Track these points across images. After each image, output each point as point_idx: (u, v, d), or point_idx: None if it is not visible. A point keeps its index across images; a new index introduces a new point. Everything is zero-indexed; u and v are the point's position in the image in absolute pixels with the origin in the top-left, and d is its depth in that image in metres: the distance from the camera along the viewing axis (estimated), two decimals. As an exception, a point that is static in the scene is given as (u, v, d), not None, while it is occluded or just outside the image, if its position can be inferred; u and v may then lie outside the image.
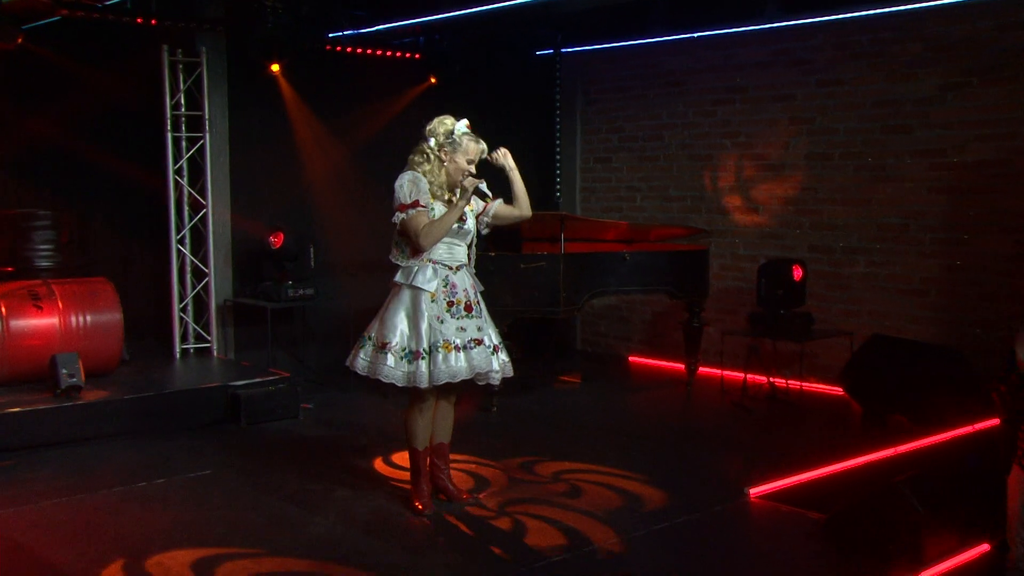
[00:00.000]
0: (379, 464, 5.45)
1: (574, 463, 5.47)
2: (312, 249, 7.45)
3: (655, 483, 5.13)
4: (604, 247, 7.48)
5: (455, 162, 4.42)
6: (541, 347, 8.97)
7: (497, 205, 4.64)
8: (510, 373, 4.60)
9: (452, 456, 4.92)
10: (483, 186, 4.45)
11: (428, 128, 4.47)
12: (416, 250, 4.38)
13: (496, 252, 6.42)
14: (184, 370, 7.04)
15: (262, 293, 7.41)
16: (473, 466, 5.39)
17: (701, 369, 7.67)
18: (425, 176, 4.39)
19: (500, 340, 4.58)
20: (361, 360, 4.46)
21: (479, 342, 4.42)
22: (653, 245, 7.67)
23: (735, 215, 8.19)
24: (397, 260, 4.46)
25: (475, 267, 4.65)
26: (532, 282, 6.45)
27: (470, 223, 4.54)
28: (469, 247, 4.59)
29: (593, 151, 9.27)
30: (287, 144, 7.79)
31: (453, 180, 4.44)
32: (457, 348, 4.36)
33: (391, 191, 4.44)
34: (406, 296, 4.42)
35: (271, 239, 7.40)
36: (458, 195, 4.42)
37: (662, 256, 7.17)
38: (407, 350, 4.36)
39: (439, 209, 4.41)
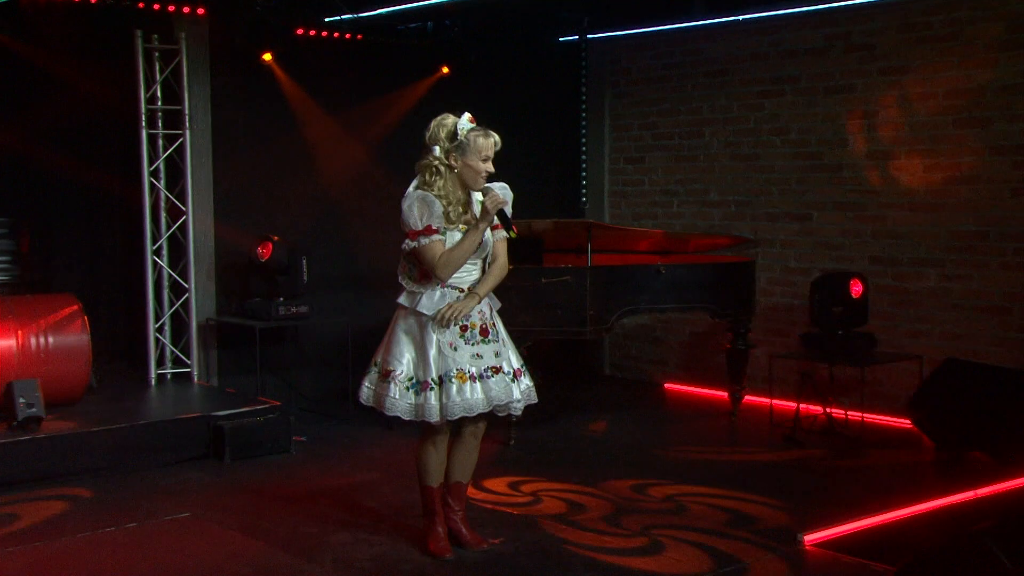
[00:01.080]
0: (382, 504, 5.43)
1: (600, 508, 5.44)
2: (305, 261, 7.46)
3: (694, 527, 5.10)
4: (636, 259, 7.48)
5: (468, 166, 4.41)
6: (565, 372, 8.95)
7: (499, 238, 4.58)
8: (534, 400, 4.60)
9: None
10: (508, 209, 4.43)
11: (428, 135, 4.46)
12: (425, 272, 4.40)
13: (513, 265, 6.36)
14: (160, 398, 7.04)
15: (249, 311, 7.42)
16: (489, 506, 5.38)
17: (747, 398, 7.65)
18: (439, 195, 4.39)
19: (522, 363, 4.58)
20: (366, 388, 4.51)
21: (497, 370, 4.43)
22: (692, 257, 7.66)
23: (785, 222, 8.17)
24: (404, 283, 4.49)
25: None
26: (555, 299, 6.46)
27: (488, 239, 4.53)
28: (483, 261, 4.59)
29: (623, 150, 9.27)
30: (278, 143, 7.82)
31: (472, 185, 4.43)
32: (472, 378, 4.36)
33: (397, 204, 4.43)
34: (411, 320, 4.44)
35: (259, 250, 7.41)
36: (479, 215, 4.42)
37: (702, 269, 7.17)
38: (414, 380, 4.39)
39: (455, 235, 4.40)
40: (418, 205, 4.37)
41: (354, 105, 8.08)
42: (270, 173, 7.82)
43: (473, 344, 4.41)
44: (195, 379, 7.46)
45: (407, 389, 4.38)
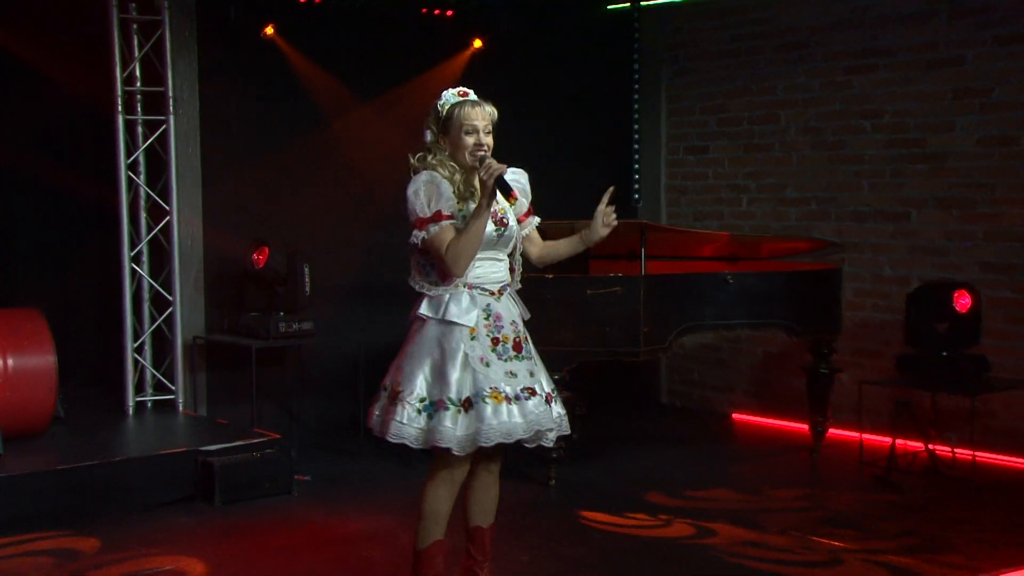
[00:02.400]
0: (399, 555, 5.39)
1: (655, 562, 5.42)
2: (307, 270, 7.47)
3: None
4: (698, 267, 7.50)
5: (456, 142, 4.40)
6: (614, 400, 8.93)
7: (531, 227, 4.62)
8: (566, 430, 4.54)
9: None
10: (508, 176, 4.40)
11: (424, 126, 4.51)
12: (445, 271, 4.37)
13: (554, 274, 6.43)
14: (139, 430, 7.05)
15: (244, 328, 7.45)
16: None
17: (831, 431, 7.63)
18: (447, 174, 4.39)
19: (552, 387, 4.55)
20: (376, 417, 4.46)
21: (533, 391, 4.39)
22: (765, 264, 7.66)
23: (878, 222, 8.13)
24: (421, 287, 4.43)
25: (521, 289, 4.62)
26: (603, 314, 6.45)
27: (512, 225, 4.51)
28: (511, 256, 4.56)
29: (683, 138, 9.26)
30: (277, 130, 7.86)
31: (466, 165, 4.41)
32: (508, 399, 4.31)
33: (404, 199, 4.44)
34: (433, 333, 4.37)
35: (255, 257, 7.44)
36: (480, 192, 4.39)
37: (777, 278, 7.15)
38: (426, 401, 4.32)
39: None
40: (424, 188, 4.32)
41: (369, 87, 8.13)
42: (268, 165, 7.86)
43: (507, 360, 4.37)
44: (180, 408, 7.48)
45: (418, 412, 4.30)
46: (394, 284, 7.85)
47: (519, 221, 4.57)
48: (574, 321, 6.43)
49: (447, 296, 4.36)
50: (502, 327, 4.39)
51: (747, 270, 7.21)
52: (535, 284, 6.05)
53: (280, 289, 7.45)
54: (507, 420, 4.28)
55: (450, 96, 4.44)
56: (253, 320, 7.41)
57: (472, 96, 4.45)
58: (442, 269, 4.35)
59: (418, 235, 4.32)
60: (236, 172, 7.74)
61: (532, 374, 4.42)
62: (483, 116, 4.40)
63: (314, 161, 8.05)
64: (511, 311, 4.46)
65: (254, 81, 7.76)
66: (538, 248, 4.67)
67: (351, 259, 8.13)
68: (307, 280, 7.47)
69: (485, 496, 4.61)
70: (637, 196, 9.40)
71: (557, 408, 4.49)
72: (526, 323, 4.54)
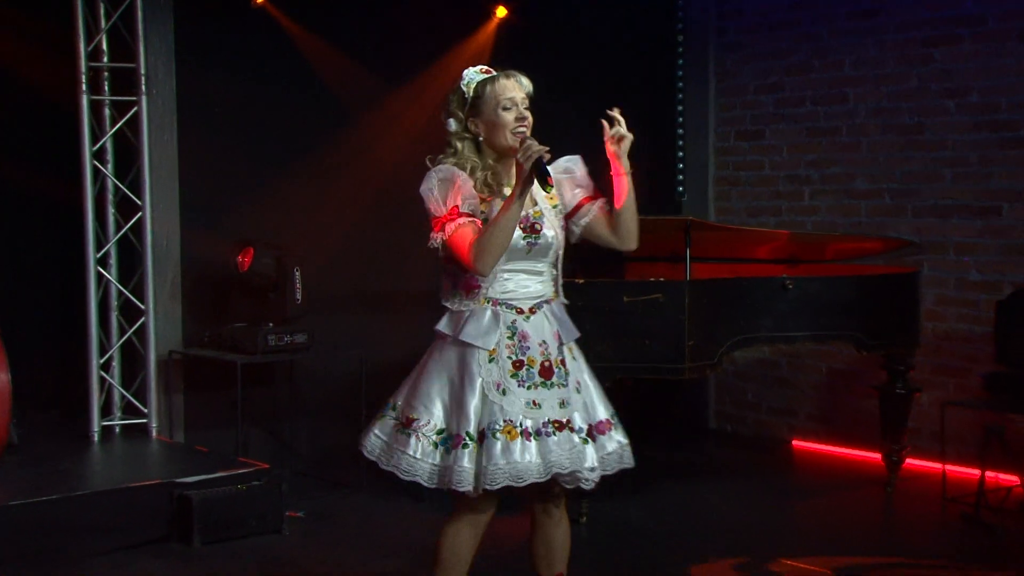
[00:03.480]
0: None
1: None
2: (299, 273, 7.47)
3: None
4: (753, 270, 7.53)
5: (492, 122, 4.38)
6: (655, 425, 8.97)
7: (596, 208, 4.59)
8: (629, 463, 4.51)
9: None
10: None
11: (443, 115, 4.51)
12: (470, 284, 4.37)
13: (585, 279, 6.43)
14: (107, 460, 7.05)
15: (227, 341, 7.44)
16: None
17: (909, 461, 7.61)
18: (469, 169, 4.39)
19: (611, 413, 4.53)
20: (374, 438, 4.41)
21: (562, 425, 4.34)
22: (830, 267, 7.68)
23: (963, 218, 8.11)
24: (447, 302, 4.45)
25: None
26: (642, 324, 6.45)
27: (550, 226, 4.47)
28: (554, 266, 4.52)
29: (734, 121, 9.26)
30: (266, 114, 7.86)
31: (506, 148, 4.39)
32: (526, 434, 4.27)
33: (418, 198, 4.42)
34: (451, 353, 4.37)
35: (239, 259, 7.46)
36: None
37: (844, 284, 7.16)
38: (444, 433, 4.32)
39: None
40: (438, 183, 4.32)
41: (377, 65, 8.15)
42: (257, 156, 7.85)
43: (529, 387, 4.33)
44: (153, 433, 7.47)
45: (434, 446, 4.30)
46: (401, 291, 8.02)
47: (578, 208, 4.53)
48: (608, 333, 6.40)
49: (467, 313, 4.36)
50: (527, 348, 4.35)
51: (809, 274, 7.20)
52: (564, 290, 5.97)
53: (269, 296, 7.44)
54: (518, 460, 4.23)
55: (474, 74, 4.45)
56: (238, 332, 7.40)
57: (497, 71, 4.47)
58: (467, 281, 4.36)
59: (437, 238, 4.30)
60: (219, 162, 7.70)
61: (564, 404, 4.37)
62: (519, 88, 4.41)
63: (310, 149, 8.05)
64: (543, 330, 4.41)
65: (241, 57, 7.75)
66: (610, 227, 4.57)
67: (351, 262, 8.12)
68: (299, 286, 7.46)
69: (546, 544, 4.60)
70: (681, 189, 9.43)
71: (617, 437, 4.48)
72: (576, 341, 4.53)
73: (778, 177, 9.03)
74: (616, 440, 4.47)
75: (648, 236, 6.86)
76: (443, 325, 4.39)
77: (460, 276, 4.37)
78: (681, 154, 9.41)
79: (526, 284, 4.41)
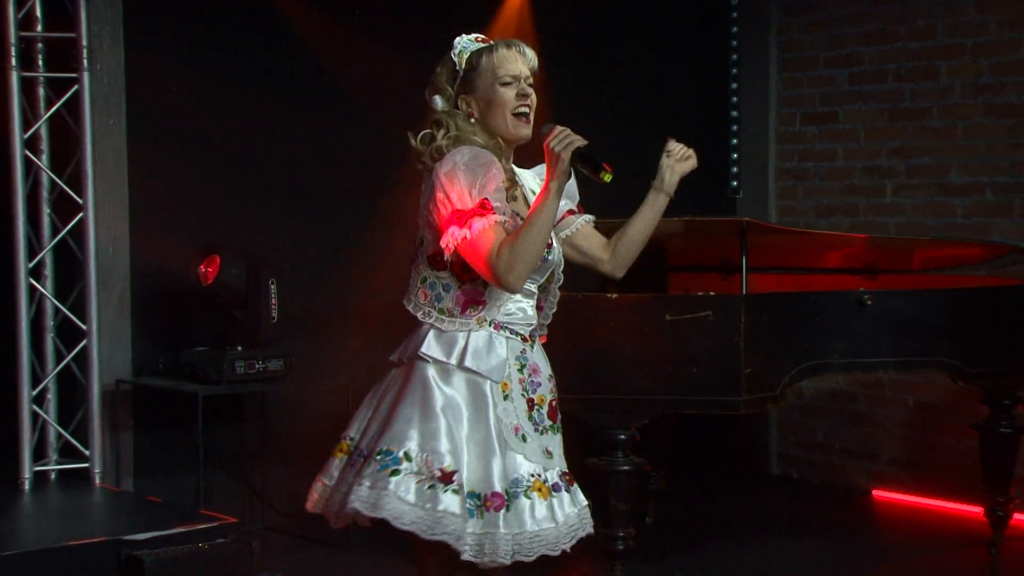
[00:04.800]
0: None
1: None
2: (275, 286, 7.46)
3: None
4: (823, 282, 7.59)
5: (488, 99, 4.38)
6: (705, 469, 9.04)
7: (582, 222, 4.66)
8: (587, 529, 4.43)
9: None
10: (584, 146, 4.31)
11: (427, 91, 4.55)
12: (472, 299, 4.34)
13: (616, 294, 6.48)
14: (39, 512, 7.04)
15: (187, 368, 7.43)
16: None
17: (1017, 516, 7.58)
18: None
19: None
20: (397, 502, 4.21)
21: (572, 479, 4.40)
22: (919, 278, 7.68)
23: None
24: (426, 314, 4.37)
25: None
26: (688, 348, 6.41)
27: (556, 247, 4.47)
28: (544, 289, 4.52)
29: (800, 102, 9.35)
30: (235, 95, 7.87)
31: (507, 134, 4.39)
32: (556, 488, 4.29)
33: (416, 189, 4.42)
34: (452, 385, 4.32)
35: (201, 269, 7.46)
36: (550, 166, 4.29)
37: (937, 299, 7.08)
38: (477, 495, 4.23)
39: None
40: (467, 167, 4.20)
41: (375, 33, 8.20)
42: (223, 145, 7.86)
43: (542, 432, 4.36)
44: (97, 480, 7.41)
45: (473, 510, 4.19)
46: (397, 307, 7.93)
47: (561, 219, 4.55)
48: (647, 359, 6.37)
49: (465, 333, 4.32)
50: (538, 385, 4.38)
51: (893, 287, 7.19)
52: (591, 308, 6.15)
53: (237, 314, 7.45)
54: (548, 526, 4.23)
55: (468, 42, 4.46)
56: (199, 357, 7.38)
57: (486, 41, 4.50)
58: (469, 294, 4.33)
59: (456, 235, 4.19)
60: (177, 152, 7.69)
61: (564, 452, 4.43)
62: (523, 61, 4.41)
63: (289, 136, 8.07)
64: (546, 364, 4.45)
65: (205, 25, 7.76)
66: (606, 249, 4.61)
67: (337, 272, 8.15)
68: (275, 301, 7.45)
69: None
70: (735, 184, 9.52)
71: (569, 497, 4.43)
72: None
73: (854, 169, 9.06)
74: (568, 506, 4.39)
75: (695, 241, 6.94)
76: (430, 347, 4.30)
77: (458, 287, 4.33)
78: (735, 141, 9.50)
79: (524, 308, 4.42)
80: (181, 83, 7.71)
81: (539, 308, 4.50)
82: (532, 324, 4.44)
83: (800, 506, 8.68)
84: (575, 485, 4.37)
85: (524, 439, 4.27)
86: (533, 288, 4.43)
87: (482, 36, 4.48)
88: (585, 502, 4.38)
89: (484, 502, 4.19)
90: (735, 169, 9.45)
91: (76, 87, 7.35)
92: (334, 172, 8.19)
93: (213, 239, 7.52)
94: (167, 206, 7.69)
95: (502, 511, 4.19)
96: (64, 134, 7.45)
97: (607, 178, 4.15)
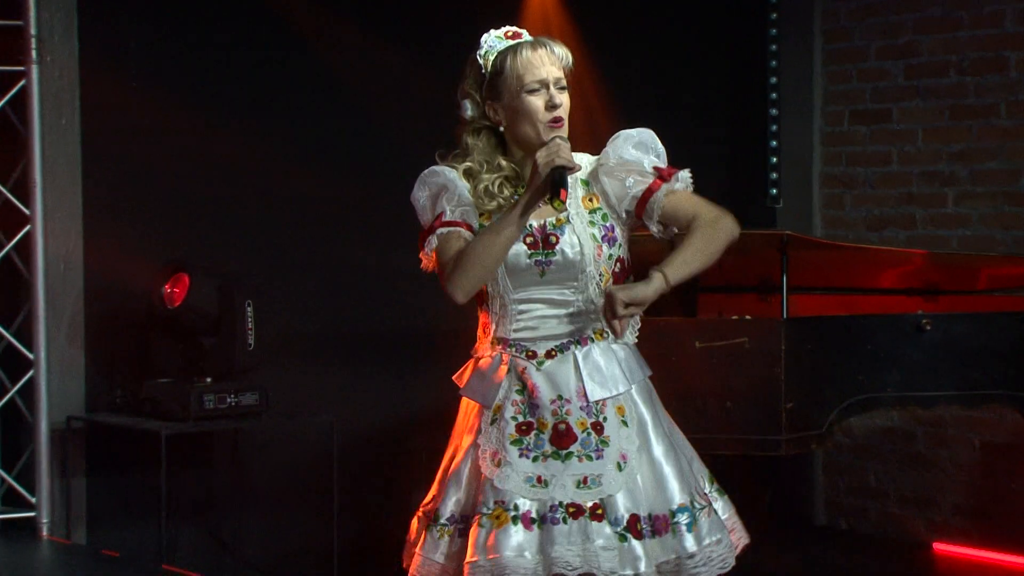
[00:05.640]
0: None
1: None
2: (251, 309, 7.44)
3: None
4: (876, 304, 7.64)
5: (514, 108, 4.39)
6: (741, 518, 8.86)
7: (664, 196, 4.54)
8: (719, 567, 4.52)
9: None
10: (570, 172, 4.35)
11: (457, 95, 4.59)
12: (484, 320, 4.51)
13: (642, 317, 6.37)
14: (-22, 568, 7.02)
15: (148, 403, 7.42)
16: None
17: None
18: (462, 171, 4.47)
19: (686, 499, 4.52)
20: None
21: (579, 511, 4.32)
22: (985, 300, 7.75)
23: None
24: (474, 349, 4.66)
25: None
26: (721, 380, 6.50)
27: (574, 239, 4.43)
28: (588, 295, 4.45)
29: (849, 98, 9.37)
30: (205, 90, 7.87)
31: (535, 140, 4.39)
32: (526, 520, 4.28)
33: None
34: (469, 413, 4.53)
35: (166, 289, 7.41)
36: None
37: (1005, 323, 7.18)
38: (451, 517, 4.46)
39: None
40: (428, 189, 4.42)
41: (370, 20, 8.22)
42: (192, 147, 7.84)
43: (536, 458, 4.35)
44: (44, 531, 7.40)
45: (439, 536, 4.42)
46: (390, 333, 7.95)
47: (647, 197, 4.46)
48: (672, 391, 6.25)
49: (475, 359, 4.51)
50: (539, 407, 4.37)
51: (955, 310, 7.25)
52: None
53: (206, 341, 7.42)
54: (509, 555, 4.22)
55: (495, 40, 4.48)
56: (163, 390, 7.36)
57: (527, 36, 4.48)
58: (483, 316, 4.49)
59: (423, 259, 4.44)
60: (138, 156, 7.69)
61: (590, 481, 4.36)
62: (552, 61, 4.40)
63: (267, 139, 8.03)
64: (561, 383, 4.41)
65: (171, 11, 7.76)
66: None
67: (321, 293, 8.14)
68: (251, 327, 7.44)
69: None
70: (774, 191, 9.51)
71: (687, 540, 4.44)
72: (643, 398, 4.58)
73: (911, 175, 9.06)
74: (696, 539, 4.45)
75: (729, 257, 6.86)
76: (458, 377, 4.56)
77: (480, 311, 4.50)
78: (774, 143, 9.48)
79: (545, 320, 4.43)
80: (143, 78, 7.70)
81: (583, 314, 4.48)
82: (562, 337, 4.44)
83: (850, 561, 8.66)
84: (585, 519, 4.29)
85: (500, 465, 4.34)
86: (567, 294, 4.43)
87: (513, 29, 4.50)
88: (594, 544, 4.28)
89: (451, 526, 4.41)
90: (774, 175, 9.43)
91: (23, 82, 7.37)
92: (321, 178, 8.15)
93: (180, 255, 7.50)
94: (127, 217, 7.67)
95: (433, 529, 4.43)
96: (9, 135, 7.46)
97: (557, 205, 4.25)
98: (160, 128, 7.72)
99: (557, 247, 4.38)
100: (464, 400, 4.54)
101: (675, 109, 8.91)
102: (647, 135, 4.56)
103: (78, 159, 7.56)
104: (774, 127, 9.40)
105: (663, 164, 4.52)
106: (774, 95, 9.40)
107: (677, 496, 4.48)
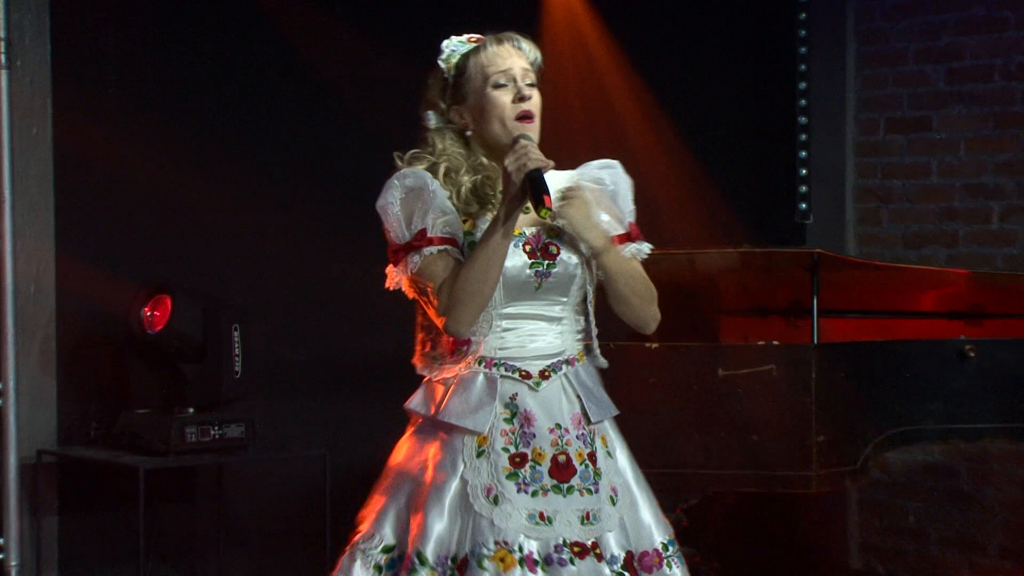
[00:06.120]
0: None
1: None
2: (238, 334, 7.46)
3: None
4: (914, 328, 7.70)
5: (480, 107, 4.49)
6: (769, 560, 9.02)
7: (630, 255, 4.66)
8: None
9: None
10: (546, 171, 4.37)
11: (420, 108, 4.73)
12: (455, 338, 4.47)
13: (659, 343, 6.56)
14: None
15: (126, 436, 7.40)
16: None
17: None
18: (442, 173, 4.52)
19: (670, 537, 4.59)
20: None
21: (584, 551, 4.36)
22: None
23: None
24: (423, 366, 4.61)
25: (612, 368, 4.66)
26: (746, 411, 6.57)
27: (572, 249, 4.50)
28: (580, 310, 4.53)
29: (885, 104, 9.45)
30: (188, 98, 7.90)
31: (503, 144, 4.42)
32: (529, 562, 4.28)
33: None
34: (427, 441, 4.49)
35: (145, 313, 7.40)
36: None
37: None
38: (393, 551, 4.45)
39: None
40: (403, 196, 4.46)
41: (362, 19, 8.28)
42: (173, 160, 7.84)
43: (535, 493, 4.37)
44: (13, 574, 7.38)
45: (377, 570, 4.43)
46: (385, 359, 7.94)
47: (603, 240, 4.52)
48: (695, 423, 6.49)
49: (450, 382, 4.43)
50: (533, 436, 4.39)
51: (1001, 335, 7.33)
52: (626, 360, 6.21)
53: (190, 369, 7.43)
54: None
55: (456, 44, 4.61)
56: (142, 422, 7.35)
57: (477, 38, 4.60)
58: (451, 337, 4.45)
59: (395, 276, 4.48)
60: (115, 168, 7.68)
61: (591, 518, 4.40)
62: (518, 55, 4.49)
63: (255, 151, 8.10)
64: (557, 409, 4.44)
65: (151, 12, 7.79)
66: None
67: (313, 318, 8.18)
68: (239, 353, 7.48)
69: None
70: (804, 206, 9.54)
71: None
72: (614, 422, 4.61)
73: (952, 188, 9.12)
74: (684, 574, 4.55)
75: (755, 277, 6.90)
76: (416, 402, 4.51)
77: (419, 316, 4.54)
78: (803, 154, 9.50)
79: (535, 336, 4.47)
80: (121, 84, 7.73)
81: (587, 327, 4.59)
82: (553, 356, 4.48)
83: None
84: (591, 559, 4.35)
85: (497, 502, 4.33)
86: (555, 310, 4.49)
87: (476, 36, 4.58)
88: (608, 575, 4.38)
89: (400, 563, 4.39)
90: (804, 188, 9.48)
91: (-10, 89, 7.39)
92: (312, 195, 8.24)
93: (161, 276, 7.52)
94: (103, 234, 7.69)
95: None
96: (-24, 146, 7.47)
97: (544, 214, 4.25)
98: (139, 139, 7.73)
99: (558, 257, 4.43)
100: (414, 426, 4.52)
101: (696, 118, 8.96)
102: (625, 186, 4.61)
103: (50, 172, 7.57)
104: (803, 136, 9.44)
105: (633, 218, 4.61)
106: (803, 102, 9.46)
107: (658, 532, 4.53)
